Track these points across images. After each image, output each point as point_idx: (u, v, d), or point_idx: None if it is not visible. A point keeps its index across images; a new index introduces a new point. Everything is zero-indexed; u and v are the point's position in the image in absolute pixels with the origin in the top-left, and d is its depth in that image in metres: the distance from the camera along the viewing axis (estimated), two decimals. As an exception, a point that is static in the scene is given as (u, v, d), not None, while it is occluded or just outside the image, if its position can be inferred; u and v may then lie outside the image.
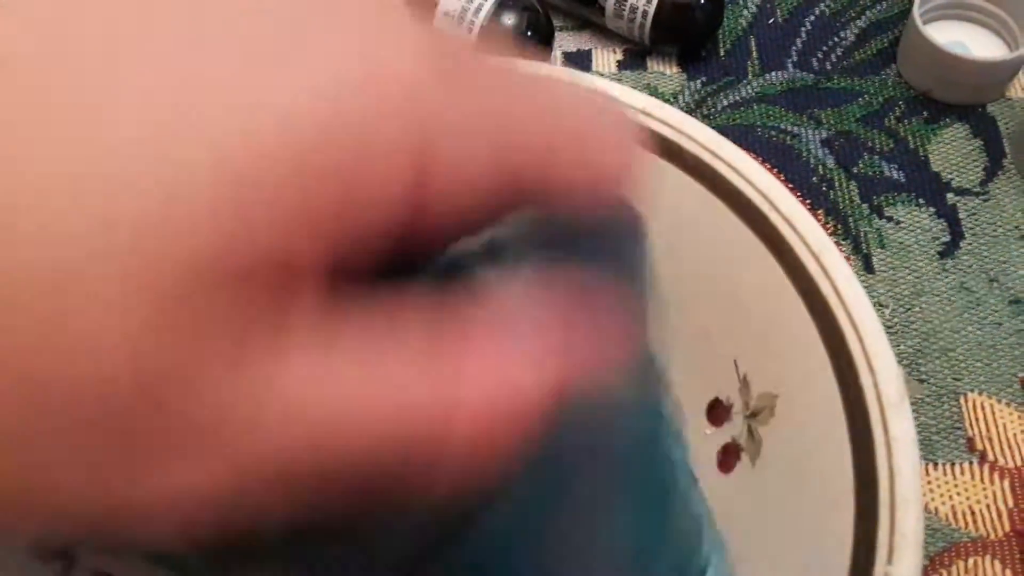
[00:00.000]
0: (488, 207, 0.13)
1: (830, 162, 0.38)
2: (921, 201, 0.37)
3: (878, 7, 0.43)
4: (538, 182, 0.13)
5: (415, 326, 0.12)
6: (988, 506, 0.30)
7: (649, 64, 0.41)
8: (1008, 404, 0.32)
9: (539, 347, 0.12)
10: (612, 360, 0.14)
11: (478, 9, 0.38)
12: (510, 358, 0.12)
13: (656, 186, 0.28)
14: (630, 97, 0.28)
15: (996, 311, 0.34)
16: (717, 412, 0.28)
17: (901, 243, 0.36)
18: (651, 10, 0.39)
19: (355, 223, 0.11)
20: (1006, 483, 0.30)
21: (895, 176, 0.37)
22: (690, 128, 0.28)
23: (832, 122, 0.39)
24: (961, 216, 0.36)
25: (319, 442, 0.11)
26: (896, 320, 0.34)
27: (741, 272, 0.27)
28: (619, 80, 0.41)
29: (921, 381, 0.32)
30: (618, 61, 0.41)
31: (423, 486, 0.12)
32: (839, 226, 0.36)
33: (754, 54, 0.41)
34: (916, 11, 0.39)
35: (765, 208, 0.26)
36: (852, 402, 0.23)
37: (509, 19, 0.38)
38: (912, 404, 0.32)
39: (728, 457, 0.27)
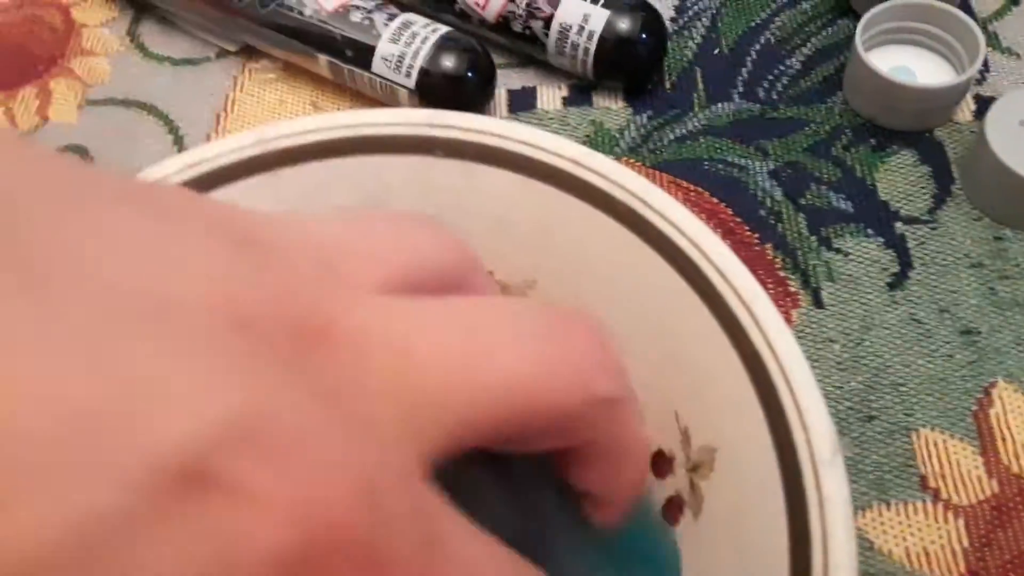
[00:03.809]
0: None
1: (778, 194, 0.38)
2: (869, 231, 0.36)
3: (824, 33, 0.43)
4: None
5: None
6: (943, 546, 0.30)
7: (595, 99, 0.41)
8: (961, 440, 0.31)
9: None
10: None
11: (416, 53, 0.38)
12: None
13: (590, 237, 0.28)
14: (561, 147, 0.28)
15: (947, 343, 0.33)
16: (661, 465, 0.27)
17: (850, 275, 0.35)
18: (592, 47, 0.38)
19: None
20: (960, 522, 0.30)
21: (843, 206, 0.37)
22: (620, 177, 0.27)
23: (779, 153, 0.39)
24: (910, 246, 0.36)
25: None
26: (846, 355, 0.33)
27: (676, 324, 0.26)
28: (564, 117, 0.40)
29: (872, 418, 0.32)
30: (563, 97, 0.41)
31: None
32: (788, 260, 0.36)
33: (700, 86, 0.41)
34: (858, 38, 0.38)
35: (696, 257, 0.26)
36: (786, 459, 0.22)
37: (449, 61, 0.38)
38: (863, 441, 0.32)
39: (672, 511, 0.27)
